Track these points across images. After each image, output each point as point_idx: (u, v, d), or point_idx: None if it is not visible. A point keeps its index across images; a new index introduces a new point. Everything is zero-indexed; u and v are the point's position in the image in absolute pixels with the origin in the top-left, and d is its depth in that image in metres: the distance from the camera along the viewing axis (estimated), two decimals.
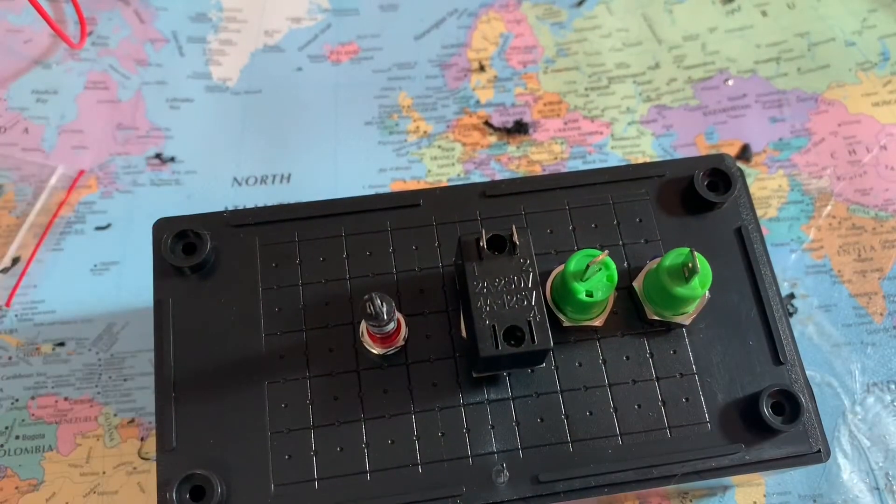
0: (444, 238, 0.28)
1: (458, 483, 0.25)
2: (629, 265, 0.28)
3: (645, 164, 0.30)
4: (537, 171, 0.38)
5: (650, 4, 0.42)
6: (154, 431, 0.32)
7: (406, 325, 0.27)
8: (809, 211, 0.37)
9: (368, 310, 0.23)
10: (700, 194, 0.29)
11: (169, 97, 0.39)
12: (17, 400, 0.33)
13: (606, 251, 0.25)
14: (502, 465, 0.25)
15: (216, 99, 0.39)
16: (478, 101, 0.40)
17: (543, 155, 0.39)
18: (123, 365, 0.33)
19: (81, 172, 0.37)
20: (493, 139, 0.39)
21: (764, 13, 0.42)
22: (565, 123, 0.39)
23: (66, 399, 0.33)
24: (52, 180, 0.37)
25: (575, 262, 0.25)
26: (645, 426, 0.26)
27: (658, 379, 0.27)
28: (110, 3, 0.41)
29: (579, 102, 0.40)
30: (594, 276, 0.26)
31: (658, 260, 0.26)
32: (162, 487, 0.25)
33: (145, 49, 0.40)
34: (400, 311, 0.27)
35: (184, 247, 0.27)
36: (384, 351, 0.26)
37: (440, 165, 0.38)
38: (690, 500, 0.32)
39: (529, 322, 0.24)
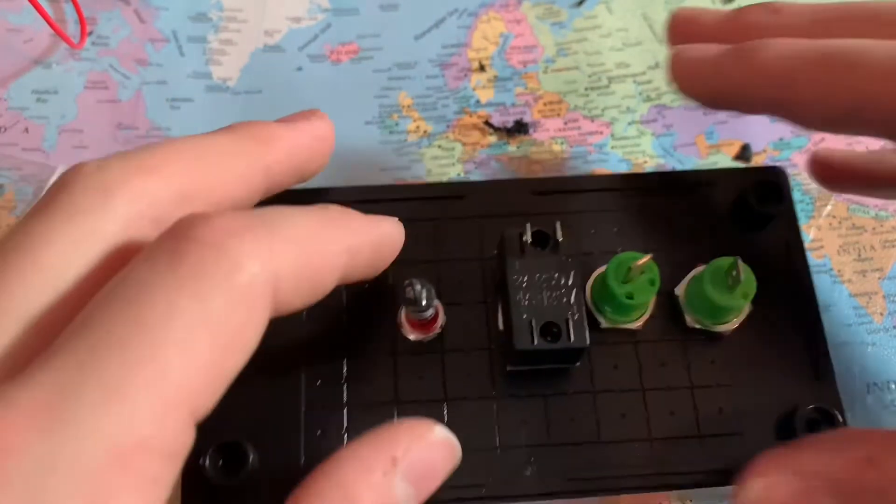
0: (486, 232, 0.29)
1: (485, 473, 0.25)
2: (672, 272, 0.28)
3: (696, 172, 0.30)
4: (537, 171, 0.38)
5: (651, 4, 0.42)
6: None
7: (444, 314, 0.27)
8: (809, 211, 0.37)
9: (408, 294, 0.24)
10: (751, 207, 0.28)
11: (169, 97, 0.39)
12: None
13: (651, 254, 0.25)
14: (531, 460, 0.25)
15: (216, 99, 0.39)
16: (478, 101, 0.40)
17: (544, 155, 0.39)
18: None
19: None
20: (493, 139, 0.39)
21: None
22: (565, 123, 0.39)
23: None
24: (53, 180, 0.37)
25: (618, 264, 0.25)
26: (677, 433, 0.26)
27: (694, 387, 0.27)
28: (110, 2, 0.41)
29: (579, 102, 0.40)
30: (636, 279, 0.25)
31: (702, 268, 0.26)
32: (194, 455, 0.25)
33: (145, 49, 0.40)
34: (439, 300, 0.27)
35: None
36: (421, 338, 0.27)
37: (440, 165, 0.38)
38: (690, 500, 0.32)
39: (567, 319, 0.24)
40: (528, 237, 0.25)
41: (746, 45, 0.26)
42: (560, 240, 0.25)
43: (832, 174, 0.31)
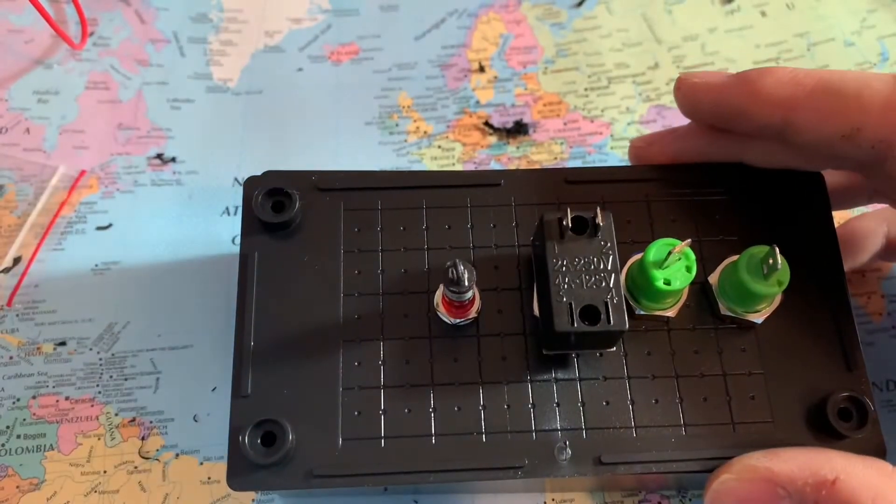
0: (521, 218, 0.29)
1: (520, 455, 0.25)
2: (705, 262, 0.28)
3: (729, 164, 0.30)
4: None
5: (650, 5, 0.42)
6: (154, 431, 0.32)
7: (480, 298, 0.27)
8: None
9: (451, 275, 0.24)
10: (778, 198, 0.29)
11: (170, 97, 0.39)
12: (18, 399, 0.33)
13: (689, 240, 0.25)
14: (565, 443, 0.26)
15: (217, 99, 0.39)
16: (478, 102, 0.40)
17: (543, 155, 0.39)
18: (124, 364, 0.34)
19: (83, 173, 0.37)
20: (492, 139, 0.39)
21: (763, 13, 0.42)
22: (565, 124, 0.39)
23: (67, 398, 0.33)
24: (54, 180, 0.37)
25: (655, 250, 0.26)
26: (709, 419, 0.26)
27: (726, 375, 0.27)
28: (111, 3, 0.41)
29: (579, 103, 0.40)
30: (673, 265, 0.26)
31: (736, 257, 0.27)
32: (234, 432, 0.25)
33: (146, 49, 0.40)
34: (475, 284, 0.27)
35: (273, 204, 0.28)
36: (457, 321, 0.27)
37: (440, 166, 0.38)
38: (690, 500, 0.32)
39: (606, 303, 0.24)
40: (567, 222, 0.25)
41: (749, 71, 0.27)
42: (600, 225, 0.25)
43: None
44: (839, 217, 0.30)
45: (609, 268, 0.25)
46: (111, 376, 0.33)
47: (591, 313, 0.24)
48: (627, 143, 0.39)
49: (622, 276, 0.27)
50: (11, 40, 0.40)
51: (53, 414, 0.33)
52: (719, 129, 0.29)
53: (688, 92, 0.29)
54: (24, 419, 0.33)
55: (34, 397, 0.33)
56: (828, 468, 0.23)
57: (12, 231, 0.36)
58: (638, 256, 0.27)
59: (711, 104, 0.28)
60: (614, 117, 0.40)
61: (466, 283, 0.24)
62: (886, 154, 0.25)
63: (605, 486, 0.32)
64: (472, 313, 0.27)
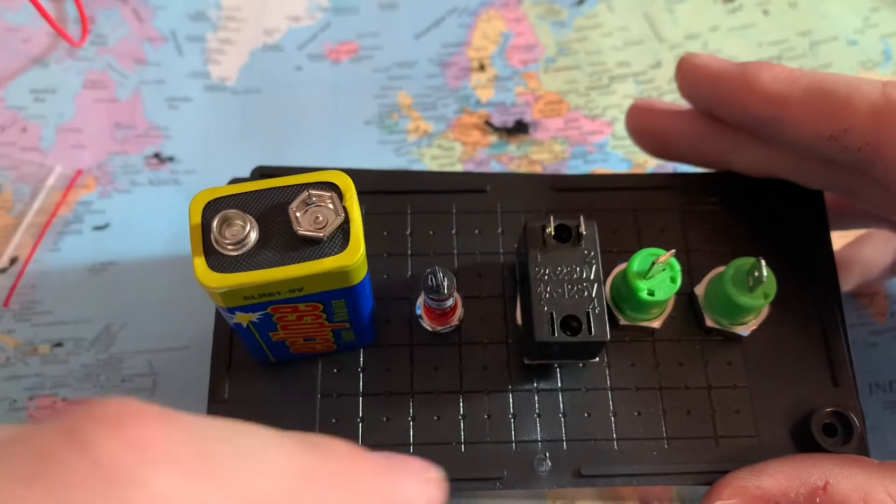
0: (507, 225, 0.29)
1: (499, 466, 0.25)
2: (692, 273, 0.28)
3: (718, 174, 0.29)
4: (538, 170, 0.38)
5: (651, 3, 0.42)
6: None
7: (462, 306, 0.27)
8: None
9: (429, 282, 0.24)
10: (772, 210, 0.28)
11: (167, 96, 0.39)
12: (15, 401, 0.33)
13: (673, 250, 0.25)
14: (545, 454, 0.26)
15: (215, 98, 0.39)
16: (478, 101, 0.40)
17: (544, 154, 0.38)
18: (122, 365, 0.33)
19: (79, 172, 0.37)
20: (493, 138, 0.39)
21: (766, 12, 0.42)
22: (566, 123, 0.39)
23: (64, 400, 0.33)
24: (50, 180, 0.37)
25: (639, 260, 0.25)
26: (692, 433, 0.26)
27: (710, 388, 0.27)
28: (109, 1, 0.41)
29: (580, 101, 0.40)
30: (657, 275, 0.25)
31: (723, 268, 0.26)
32: None
33: (144, 48, 0.40)
34: (457, 292, 0.27)
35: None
36: (439, 328, 0.27)
37: (440, 165, 0.38)
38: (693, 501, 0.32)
39: (588, 313, 0.24)
40: (550, 230, 0.25)
41: (750, 63, 0.27)
42: (583, 233, 0.25)
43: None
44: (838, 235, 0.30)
45: (592, 277, 0.24)
46: (108, 377, 0.33)
47: (571, 324, 0.24)
48: (629, 143, 0.39)
49: (606, 286, 0.27)
50: (8, 39, 0.40)
51: (51, 415, 0.32)
52: (713, 118, 0.29)
53: (689, 72, 0.29)
54: (22, 420, 0.32)
55: (31, 398, 0.33)
56: (816, 474, 0.23)
57: (9, 231, 0.36)
58: (622, 266, 0.26)
59: (709, 87, 0.28)
60: (616, 116, 0.39)
61: (445, 291, 0.24)
62: (874, 158, 0.25)
63: (605, 497, 0.32)
64: (454, 321, 0.27)
